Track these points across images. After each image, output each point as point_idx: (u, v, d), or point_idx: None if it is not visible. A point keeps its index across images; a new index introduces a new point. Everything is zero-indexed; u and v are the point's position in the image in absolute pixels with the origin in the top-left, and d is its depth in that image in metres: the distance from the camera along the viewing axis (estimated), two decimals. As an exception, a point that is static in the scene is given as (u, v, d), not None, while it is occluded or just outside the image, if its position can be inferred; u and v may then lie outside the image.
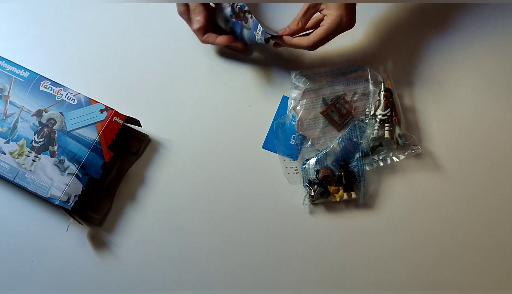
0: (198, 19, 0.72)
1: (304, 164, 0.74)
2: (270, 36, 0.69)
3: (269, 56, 0.79)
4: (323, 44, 0.70)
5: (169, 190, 0.74)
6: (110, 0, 0.81)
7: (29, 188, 0.70)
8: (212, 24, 0.75)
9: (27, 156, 0.70)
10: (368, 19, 0.80)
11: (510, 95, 0.78)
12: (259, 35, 0.69)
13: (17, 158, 0.70)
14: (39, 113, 0.72)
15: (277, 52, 0.79)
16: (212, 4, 0.75)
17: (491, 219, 0.74)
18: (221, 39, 0.73)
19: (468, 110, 0.77)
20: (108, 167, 0.73)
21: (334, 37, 0.69)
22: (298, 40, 0.69)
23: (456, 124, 0.77)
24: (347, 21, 0.68)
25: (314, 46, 0.69)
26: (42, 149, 0.71)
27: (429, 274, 0.72)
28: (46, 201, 0.70)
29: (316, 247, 0.73)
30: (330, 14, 0.67)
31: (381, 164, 0.74)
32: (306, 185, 0.73)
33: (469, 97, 0.78)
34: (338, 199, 0.73)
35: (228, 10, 0.73)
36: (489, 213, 0.74)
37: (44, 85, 0.73)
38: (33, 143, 0.71)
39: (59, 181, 0.70)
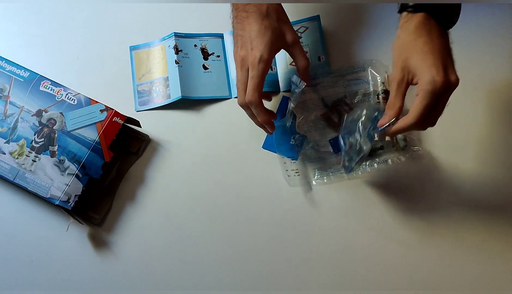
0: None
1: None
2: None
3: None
4: (430, 115, 0.59)
5: (169, 190, 0.74)
6: (110, 0, 0.81)
7: (29, 188, 0.70)
8: None
9: (27, 156, 0.70)
10: (368, 19, 0.80)
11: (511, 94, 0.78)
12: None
13: (17, 158, 0.70)
14: (39, 113, 0.72)
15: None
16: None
17: (491, 219, 0.74)
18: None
19: (469, 110, 0.77)
20: (108, 167, 0.73)
21: (441, 102, 0.58)
22: (401, 123, 0.59)
23: (457, 124, 0.77)
24: (442, 80, 0.56)
25: (420, 121, 0.57)
26: (42, 149, 0.71)
27: (429, 274, 0.72)
28: (46, 201, 0.70)
29: (316, 247, 0.73)
30: (420, 79, 0.57)
31: (382, 165, 0.74)
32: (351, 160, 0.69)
33: (469, 97, 0.78)
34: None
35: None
36: (489, 213, 0.74)
37: (44, 85, 0.73)
38: (33, 143, 0.71)
39: (59, 181, 0.70)
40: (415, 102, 0.57)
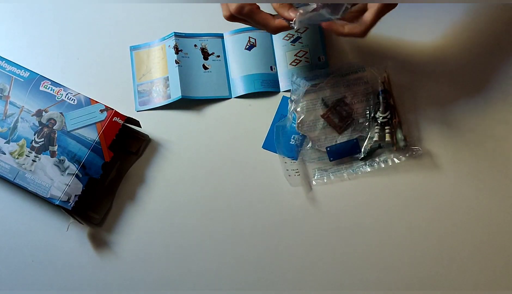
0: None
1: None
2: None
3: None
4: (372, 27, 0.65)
5: (169, 190, 0.75)
6: (110, 0, 0.81)
7: (29, 188, 0.70)
8: None
9: (27, 156, 0.70)
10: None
11: (510, 94, 0.78)
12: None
13: (17, 158, 0.70)
14: (39, 113, 0.72)
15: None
16: None
17: (491, 219, 0.74)
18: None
19: (469, 110, 0.77)
20: (108, 167, 0.73)
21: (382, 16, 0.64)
22: (350, 28, 0.64)
23: (456, 124, 0.77)
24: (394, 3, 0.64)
25: (367, 32, 0.64)
26: (42, 149, 0.71)
27: (429, 274, 0.72)
28: (46, 201, 0.70)
29: (316, 246, 0.73)
30: None
31: (382, 165, 0.74)
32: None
33: (469, 96, 0.78)
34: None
35: None
36: (488, 213, 0.74)
37: (44, 85, 0.73)
38: (33, 143, 0.71)
39: (59, 181, 0.70)
40: (371, 14, 0.63)
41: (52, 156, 0.71)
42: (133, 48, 0.79)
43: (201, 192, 0.74)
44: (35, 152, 0.71)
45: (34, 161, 0.70)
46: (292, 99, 0.75)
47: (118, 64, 0.79)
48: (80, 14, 0.81)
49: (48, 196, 0.69)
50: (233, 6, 0.63)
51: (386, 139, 0.73)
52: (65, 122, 0.72)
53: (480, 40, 0.80)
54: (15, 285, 0.71)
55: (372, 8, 0.63)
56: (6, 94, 0.72)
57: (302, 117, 0.74)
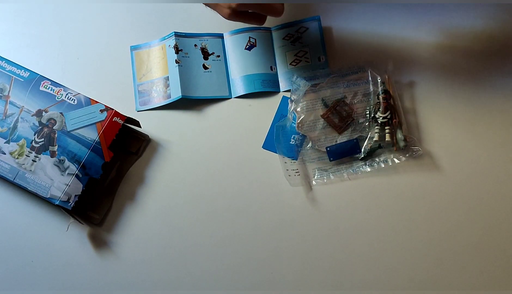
0: None
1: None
2: None
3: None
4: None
5: (169, 190, 0.75)
6: (110, 0, 0.81)
7: (29, 188, 0.70)
8: None
9: (27, 156, 0.70)
10: (368, 20, 0.80)
11: (510, 95, 0.78)
12: None
13: (17, 158, 0.70)
14: (39, 113, 0.72)
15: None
16: None
17: (491, 220, 0.74)
18: None
19: (469, 111, 0.77)
20: (108, 167, 0.73)
21: None
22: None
23: (457, 125, 0.77)
24: None
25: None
26: (42, 149, 0.71)
27: (429, 274, 0.72)
28: (46, 201, 0.70)
29: (316, 247, 0.73)
30: None
31: (382, 165, 0.74)
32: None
33: (469, 97, 0.78)
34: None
35: None
36: (488, 214, 0.74)
37: (44, 85, 0.73)
38: (33, 143, 0.71)
39: (59, 181, 0.70)
40: None
41: (52, 156, 0.71)
42: (133, 48, 0.79)
43: (201, 192, 0.74)
44: (35, 152, 0.71)
45: (34, 161, 0.70)
46: (292, 99, 0.75)
47: (118, 64, 0.79)
48: (80, 14, 0.81)
49: (48, 196, 0.69)
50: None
51: (386, 139, 0.74)
52: (65, 122, 0.72)
53: (481, 42, 0.80)
54: (15, 285, 0.71)
55: None
56: (6, 94, 0.72)
57: (302, 117, 0.74)
